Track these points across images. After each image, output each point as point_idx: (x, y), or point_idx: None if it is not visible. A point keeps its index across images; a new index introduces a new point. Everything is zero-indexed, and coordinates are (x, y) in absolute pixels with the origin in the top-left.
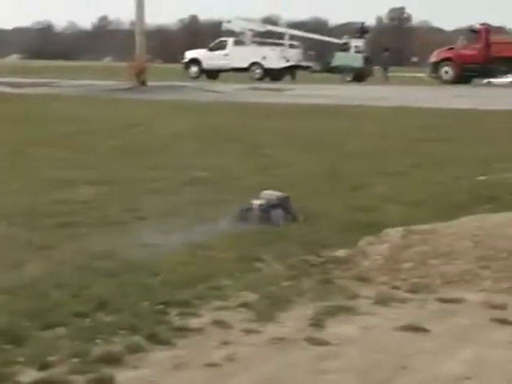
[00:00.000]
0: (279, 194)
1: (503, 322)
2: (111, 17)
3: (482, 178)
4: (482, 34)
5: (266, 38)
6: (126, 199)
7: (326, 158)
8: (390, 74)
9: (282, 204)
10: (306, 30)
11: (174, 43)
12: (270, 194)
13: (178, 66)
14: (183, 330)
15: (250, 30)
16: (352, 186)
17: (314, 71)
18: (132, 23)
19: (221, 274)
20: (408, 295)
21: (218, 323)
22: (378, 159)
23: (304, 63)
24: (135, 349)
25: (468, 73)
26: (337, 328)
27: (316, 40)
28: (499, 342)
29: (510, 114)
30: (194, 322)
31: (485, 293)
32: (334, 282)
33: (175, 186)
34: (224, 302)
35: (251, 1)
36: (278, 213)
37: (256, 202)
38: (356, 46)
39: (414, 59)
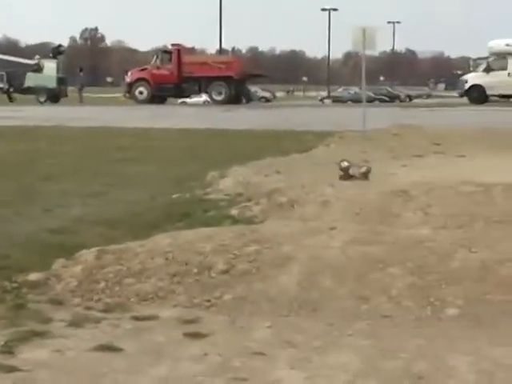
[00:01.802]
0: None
1: (196, 335)
2: None
3: (175, 196)
4: (174, 54)
5: None
6: None
7: (21, 180)
8: (85, 95)
9: None
10: None
11: None
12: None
13: None
14: None
15: None
16: (46, 208)
17: (5, 92)
18: None
19: None
20: (102, 315)
21: None
22: (75, 180)
23: None
24: None
25: (162, 93)
26: (29, 353)
27: (6, 61)
28: (193, 356)
29: (201, 132)
30: None
31: (178, 308)
32: (28, 307)
33: None
34: None
35: None
36: None
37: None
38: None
39: (110, 79)
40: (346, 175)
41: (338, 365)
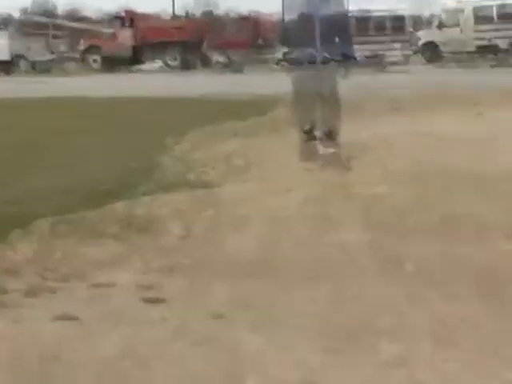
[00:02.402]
0: None
1: (154, 300)
2: None
3: (131, 163)
4: (127, 20)
5: None
6: None
7: None
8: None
9: None
10: None
11: None
12: None
13: None
14: None
15: None
16: None
17: None
18: None
19: None
20: (59, 284)
21: None
22: (27, 151)
23: None
24: None
25: (116, 60)
26: None
27: None
28: (151, 320)
29: (156, 99)
30: None
31: (136, 274)
32: None
33: None
34: None
35: None
36: None
37: None
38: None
39: None
40: (311, 137)
41: (299, 326)
